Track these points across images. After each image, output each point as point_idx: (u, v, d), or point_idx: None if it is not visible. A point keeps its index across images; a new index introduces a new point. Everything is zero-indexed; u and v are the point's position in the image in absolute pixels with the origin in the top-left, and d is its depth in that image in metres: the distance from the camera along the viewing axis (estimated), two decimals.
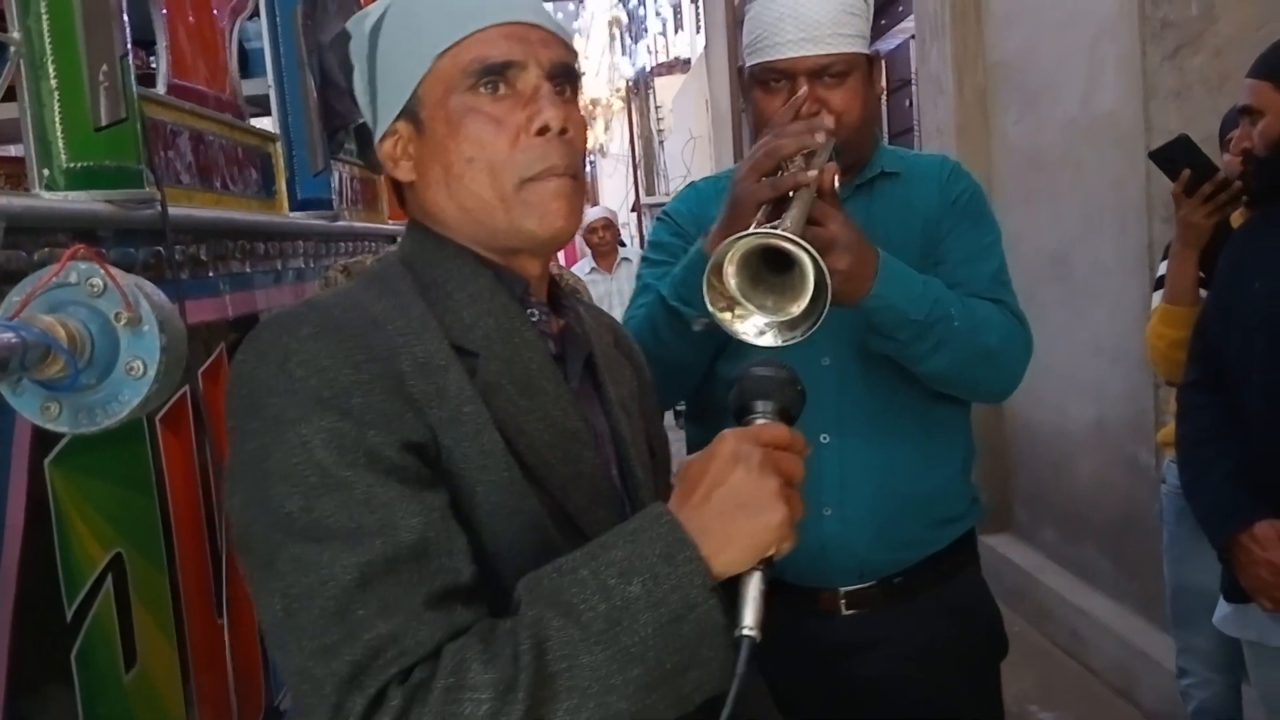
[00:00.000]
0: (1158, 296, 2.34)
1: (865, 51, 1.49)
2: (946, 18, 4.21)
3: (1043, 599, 3.79)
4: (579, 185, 0.95)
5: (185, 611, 1.44)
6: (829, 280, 1.07)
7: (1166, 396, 2.74)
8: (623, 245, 6.85)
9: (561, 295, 1.06)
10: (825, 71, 1.44)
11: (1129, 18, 3.08)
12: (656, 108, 13.96)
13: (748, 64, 1.51)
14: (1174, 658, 2.51)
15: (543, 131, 0.92)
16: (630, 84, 14.04)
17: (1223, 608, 1.92)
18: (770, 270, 1.11)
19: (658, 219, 1.69)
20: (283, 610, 0.78)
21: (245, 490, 0.82)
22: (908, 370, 1.45)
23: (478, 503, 0.86)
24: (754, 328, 1.11)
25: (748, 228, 1.20)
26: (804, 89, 1.44)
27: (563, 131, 0.93)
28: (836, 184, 1.31)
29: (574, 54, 0.99)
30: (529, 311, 0.97)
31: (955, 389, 1.52)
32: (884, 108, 5.91)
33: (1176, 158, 2.11)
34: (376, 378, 0.83)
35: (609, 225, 6.38)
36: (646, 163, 13.85)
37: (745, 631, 0.79)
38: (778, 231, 1.08)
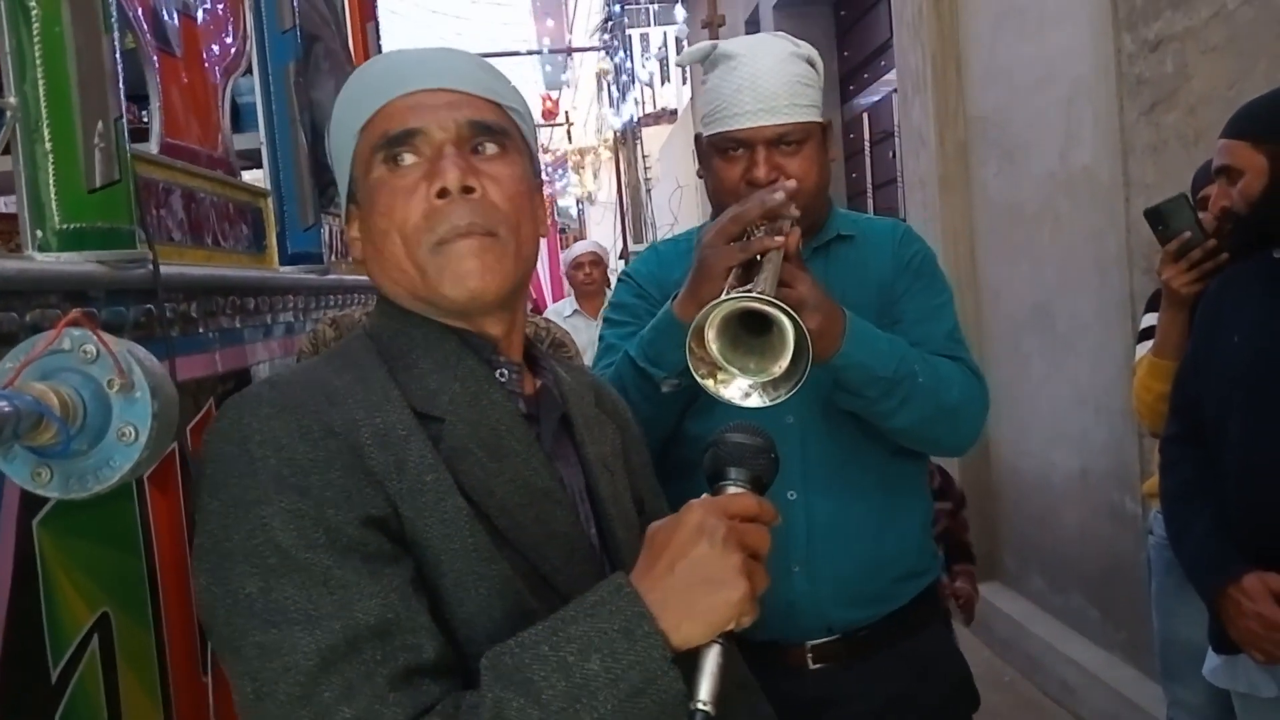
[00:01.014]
0: (1141, 348, 2.36)
1: (819, 120, 1.55)
2: (928, 73, 4.29)
3: (1032, 648, 3.78)
4: (496, 242, 0.94)
5: (171, 670, 1.43)
6: (810, 340, 1.08)
7: (1151, 447, 2.76)
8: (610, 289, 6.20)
9: (539, 356, 1.07)
10: (782, 140, 1.50)
11: (1106, 75, 3.15)
12: (644, 157, 14.13)
13: (705, 133, 1.56)
14: (1164, 707, 2.51)
15: (443, 194, 0.92)
16: (618, 134, 14.19)
17: (1212, 659, 1.93)
18: (749, 333, 1.12)
19: (619, 279, 1.73)
20: (253, 694, 0.79)
21: (208, 571, 0.83)
22: (870, 427, 1.49)
23: (443, 571, 0.86)
24: (739, 391, 1.12)
25: (718, 292, 1.23)
26: (761, 156, 1.49)
27: (468, 190, 0.93)
28: (799, 246, 1.35)
29: (496, 109, 0.98)
30: (498, 372, 0.98)
31: (919, 444, 1.56)
32: (868, 159, 6.00)
33: (1170, 217, 2.13)
34: (335, 454, 0.84)
35: (597, 262, 5.41)
36: (634, 211, 13.96)
37: (700, 706, 0.80)
38: (758, 294, 1.10)
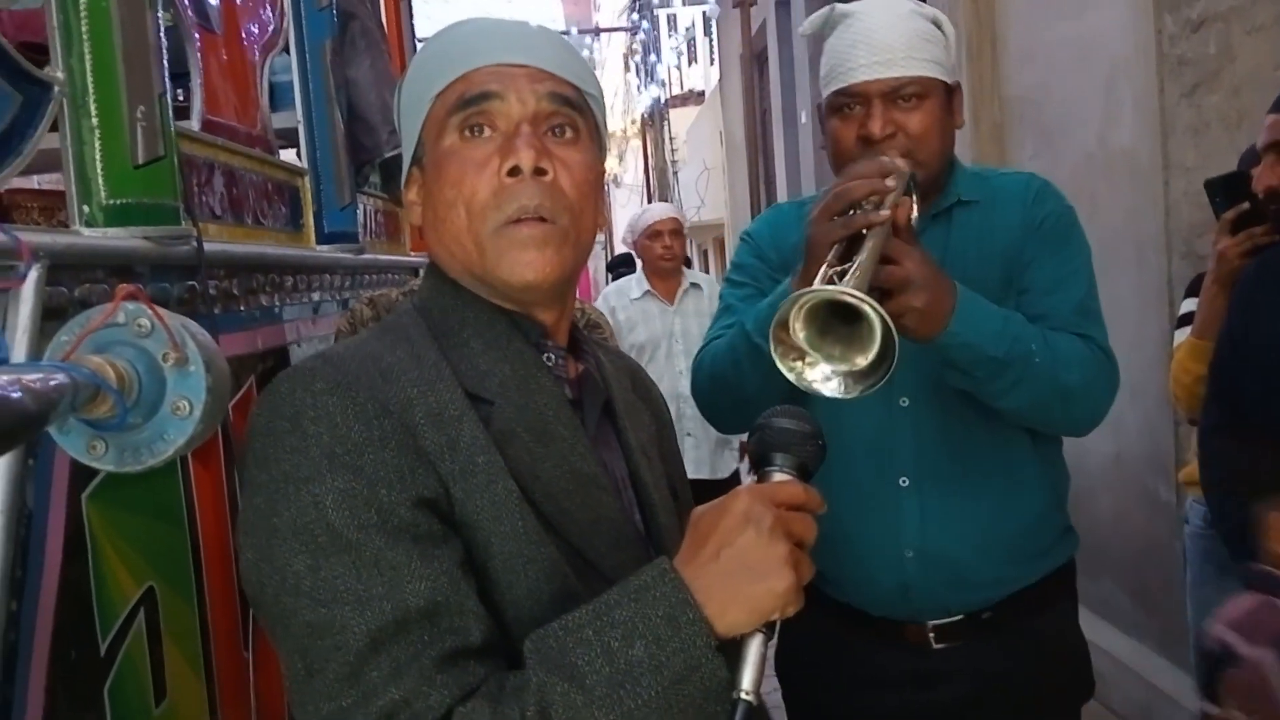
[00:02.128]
0: (1179, 334, 2.33)
1: (943, 77, 1.47)
2: (963, 53, 4.24)
3: None
4: (557, 231, 0.92)
5: (213, 644, 1.44)
6: (896, 335, 1.05)
7: (1188, 434, 2.73)
8: (688, 265, 4.54)
9: (582, 340, 1.06)
10: (898, 94, 1.42)
11: (1146, 55, 3.10)
12: (671, 139, 14.07)
13: (824, 95, 1.51)
14: (1195, 697, 2.49)
15: (514, 173, 0.91)
16: (645, 115, 14.14)
17: None
18: (840, 321, 1.09)
19: (741, 238, 1.68)
20: (304, 670, 0.80)
21: (255, 546, 0.83)
22: (989, 407, 1.42)
23: (493, 553, 0.86)
24: (821, 374, 1.09)
25: (821, 269, 1.20)
26: (878, 110, 1.42)
27: (540, 172, 0.91)
28: (914, 217, 1.30)
29: (573, 88, 0.96)
30: (546, 356, 0.97)
31: (1035, 424, 1.49)
32: None
33: (1230, 191, 2.09)
34: (389, 433, 0.84)
35: (678, 231, 4.11)
36: (661, 193, 13.93)
37: (742, 695, 0.79)
38: (840, 288, 1.07)
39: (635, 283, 4.16)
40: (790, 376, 1.12)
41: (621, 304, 4.11)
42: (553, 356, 0.98)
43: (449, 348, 0.93)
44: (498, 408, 0.91)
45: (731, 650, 0.80)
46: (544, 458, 0.91)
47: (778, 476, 0.86)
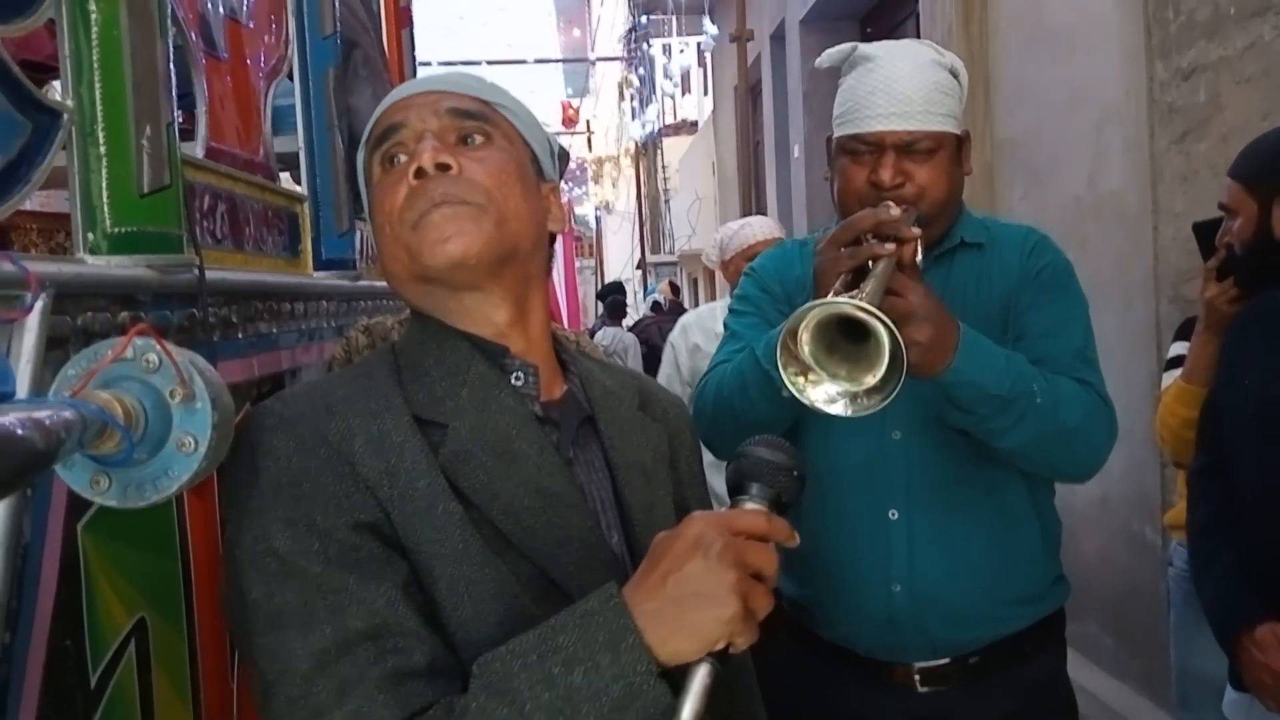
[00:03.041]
0: (1168, 377, 2.35)
1: (955, 131, 1.50)
2: None
3: None
4: (472, 209, 0.96)
5: (202, 676, 1.43)
6: (905, 352, 1.07)
7: (1173, 476, 2.75)
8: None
9: (569, 360, 1.08)
10: (912, 146, 1.46)
11: (1137, 101, 3.14)
12: (663, 168, 14.15)
13: (836, 134, 1.54)
14: None
15: (420, 174, 0.96)
16: (639, 144, 14.22)
17: (1231, 693, 1.92)
18: (847, 340, 1.11)
19: (744, 274, 1.72)
20: (264, 693, 0.84)
21: (226, 577, 0.89)
22: (982, 446, 1.43)
23: (436, 576, 0.88)
24: (824, 395, 1.11)
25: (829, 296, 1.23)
26: (890, 160, 1.46)
27: (444, 168, 0.96)
28: (919, 255, 1.33)
29: (477, 101, 1.02)
30: (515, 376, 0.99)
31: (1034, 466, 1.50)
32: None
33: (1214, 238, 2.13)
34: (326, 462, 0.88)
35: None
36: (653, 221, 13.99)
37: None
38: (853, 301, 1.09)
39: (722, 311, 3.16)
40: (792, 389, 1.13)
41: (705, 337, 3.32)
42: (522, 375, 0.99)
43: (409, 379, 0.97)
44: (452, 430, 0.93)
45: (683, 678, 0.80)
46: (504, 475, 0.92)
47: (749, 506, 0.86)
